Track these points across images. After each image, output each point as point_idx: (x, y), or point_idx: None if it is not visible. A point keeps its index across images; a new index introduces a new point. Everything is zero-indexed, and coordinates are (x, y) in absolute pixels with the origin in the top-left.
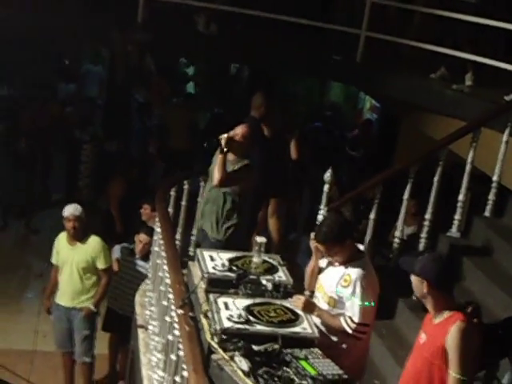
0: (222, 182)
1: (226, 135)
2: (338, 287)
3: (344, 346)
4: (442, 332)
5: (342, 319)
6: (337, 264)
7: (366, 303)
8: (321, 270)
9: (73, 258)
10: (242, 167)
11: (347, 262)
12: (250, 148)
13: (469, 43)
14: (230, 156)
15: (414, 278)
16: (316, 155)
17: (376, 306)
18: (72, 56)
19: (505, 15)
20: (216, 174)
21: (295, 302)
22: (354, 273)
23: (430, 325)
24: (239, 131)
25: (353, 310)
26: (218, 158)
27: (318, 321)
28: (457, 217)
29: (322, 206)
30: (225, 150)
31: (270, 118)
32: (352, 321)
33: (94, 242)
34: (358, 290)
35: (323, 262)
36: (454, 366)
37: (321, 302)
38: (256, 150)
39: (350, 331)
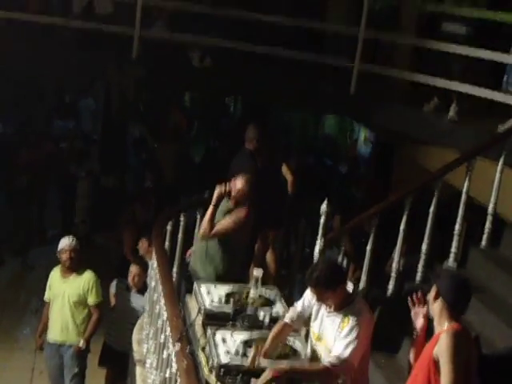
0: (206, 234)
1: (219, 189)
2: (336, 332)
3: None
4: (433, 342)
5: (326, 360)
6: (330, 310)
7: (355, 343)
8: (310, 317)
9: (64, 291)
10: (236, 214)
11: (341, 307)
12: (249, 197)
13: (458, 74)
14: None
15: (432, 289)
16: (312, 188)
17: (367, 345)
18: (71, 92)
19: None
20: (203, 225)
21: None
22: (351, 318)
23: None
24: (239, 187)
25: (339, 350)
26: (208, 210)
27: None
28: (453, 247)
29: (318, 238)
30: (214, 204)
31: (263, 151)
32: (337, 358)
33: (87, 275)
34: (351, 331)
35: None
36: (443, 373)
37: (323, 356)
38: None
39: (334, 369)
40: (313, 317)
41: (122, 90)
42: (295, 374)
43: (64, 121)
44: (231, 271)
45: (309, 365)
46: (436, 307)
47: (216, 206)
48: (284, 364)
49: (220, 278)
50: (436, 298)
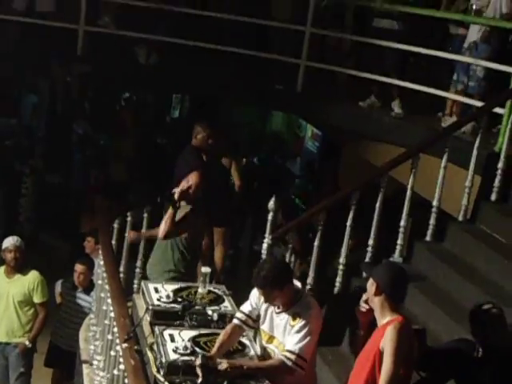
0: (168, 235)
1: (179, 190)
2: (287, 330)
3: (290, 379)
4: (380, 334)
5: (280, 355)
6: (278, 310)
7: (308, 338)
8: (257, 318)
9: (9, 291)
10: (187, 213)
11: (289, 306)
12: (199, 194)
13: (395, 70)
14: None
15: (369, 281)
16: (261, 185)
17: (317, 340)
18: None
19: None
20: (162, 226)
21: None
22: (301, 314)
23: (375, 332)
24: (192, 182)
25: (292, 344)
26: (167, 213)
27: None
28: (399, 242)
29: (266, 235)
30: (177, 206)
31: (210, 147)
32: (291, 352)
33: (32, 275)
34: (303, 327)
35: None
36: (385, 365)
37: (277, 352)
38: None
39: (290, 364)
40: (261, 319)
41: (66, 87)
42: (250, 370)
43: (6, 117)
44: (190, 272)
45: (263, 362)
46: (377, 301)
47: (175, 210)
48: (240, 361)
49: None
50: (377, 293)
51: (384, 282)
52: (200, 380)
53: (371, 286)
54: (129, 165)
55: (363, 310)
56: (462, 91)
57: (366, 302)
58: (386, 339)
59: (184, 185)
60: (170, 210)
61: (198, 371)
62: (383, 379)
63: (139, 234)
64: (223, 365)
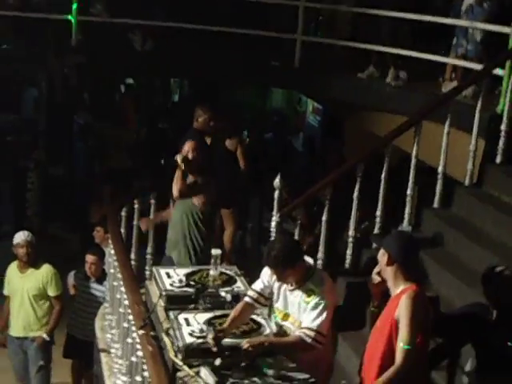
0: (181, 192)
1: (180, 156)
2: (302, 307)
3: (307, 356)
4: (394, 304)
5: (298, 332)
6: (291, 287)
7: (324, 314)
8: (270, 296)
9: (23, 286)
10: (197, 179)
11: (303, 282)
12: (202, 160)
13: (390, 39)
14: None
15: (380, 252)
16: (267, 163)
17: (332, 313)
18: (13, 84)
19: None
20: (175, 186)
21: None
22: (315, 290)
23: (389, 302)
24: (187, 148)
25: (310, 321)
26: (176, 173)
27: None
28: (406, 211)
29: (273, 213)
30: (182, 166)
31: (212, 129)
32: (310, 329)
33: (45, 268)
34: (318, 303)
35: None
36: (402, 334)
37: (293, 329)
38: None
39: (309, 340)
40: (275, 297)
41: (64, 78)
42: (271, 346)
43: (7, 113)
44: (206, 246)
45: (283, 338)
46: (390, 271)
47: (181, 168)
48: (260, 338)
49: (199, 260)
50: (389, 263)
51: (395, 251)
52: (215, 349)
53: (382, 256)
54: (131, 152)
55: (375, 281)
56: (463, 55)
57: (379, 273)
58: (401, 308)
59: (182, 151)
60: (178, 171)
61: (211, 343)
62: (400, 349)
63: (150, 220)
64: (244, 345)
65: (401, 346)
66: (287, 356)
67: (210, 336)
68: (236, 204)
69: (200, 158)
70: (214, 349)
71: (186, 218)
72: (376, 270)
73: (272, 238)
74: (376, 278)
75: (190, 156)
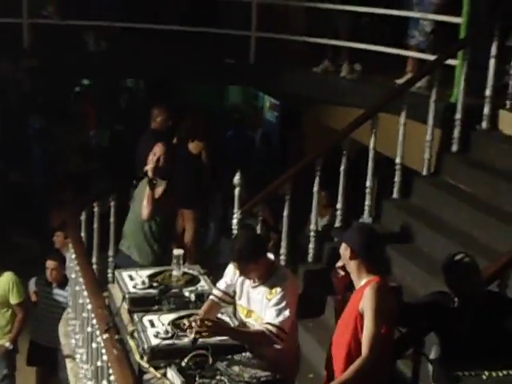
0: (151, 215)
1: (150, 165)
2: (264, 303)
3: (272, 351)
4: (358, 296)
5: (260, 327)
6: (254, 284)
7: (287, 312)
8: (234, 295)
9: None
10: (163, 193)
11: (266, 278)
12: (168, 166)
13: (347, 33)
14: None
15: (342, 246)
16: (228, 160)
17: (295, 311)
18: None
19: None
20: (145, 209)
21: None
22: (278, 286)
23: (353, 294)
24: (159, 153)
25: (272, 317)
26: (146, 194)
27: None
28: (366, 203)
29: (235, 210)
30: (154, 181)
31: (169, 129)
32: (272, 325)
33: (6, 276)
34: (280, 299)
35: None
36: (366, 325)
37: (256, 326)
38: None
39: (271, 335)
40: (238, 294)
41: (16, 82)
42: (233, 333)
43: None
44: (167, 251)
45: (253, 331)
46: (353, 264)
47: (153, 189)
48: (226, 326)
49: (158, 260)
50: (352, 257)
51: (357, 245)
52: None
53: (345, 250)
54: (90, 155)
55: (339, 275)
56: (416, 46)
57: (342, 267)
58: (364, 301)
59: (152, 158)
60: (148, 190)
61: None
62: (366, 340)
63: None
64: (207, 322)
65: (365, 335)
66: (252, 353)
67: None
68: (198, 204)
69: (169, 162)
70: (183, 362)
71: (146, 223)
72: (339, 264)
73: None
74: (340, 273)
75: (161, 160)
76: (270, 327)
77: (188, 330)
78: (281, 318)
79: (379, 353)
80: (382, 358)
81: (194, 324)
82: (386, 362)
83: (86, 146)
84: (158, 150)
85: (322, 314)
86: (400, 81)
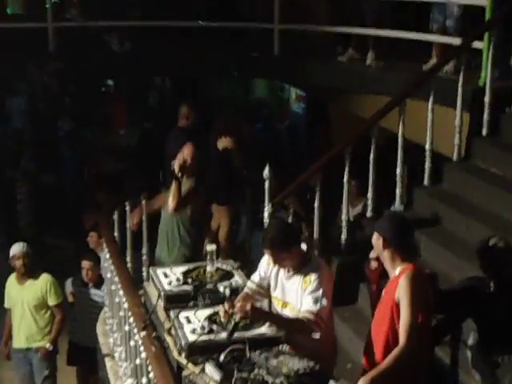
0: (177, 206)
1: (177, 163)
2: (300, 293)
3: (310, 341)
4: (394, 285)
5: (299, 315)
6: (289, 274)
7: (324, 300)
8: (268, 287)
9: (23, 297)
10: (190, 190)
11: (300, 268)
12: (197, 166)
13: (373, 20)
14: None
15: (374, 236)
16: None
17: (330, 301)
18: None
19: None
20: (171, 200)
21: (240, 312)
22: (312, 276)
23: (388, 284)
24: (187, 153)
25: (309, 305)
26: (172, 186)
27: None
28: (397, 190)
29: (265, 203)
30: (179, 177)
31: (196, 126)
32: (310, 312)
33: (44, 278)
34: (316, 288)
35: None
36: (403, 315)
37: (292, 316)
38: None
39: (309, 323)
40: (272, 286)
41: (44, 86)
42: (272, 318)
43: None
44: (197, 251)
45: (291, 318)
46: (386, 254)
47: (179, 181)
48: (264, 312)
49: (188, 260)
50: (385, 246)
51: (390, 234)
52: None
53: (377, 240)
54: (121, 154)
55: (373, 267)
56: (440, 30)
57: (375, 258)
58: (400, 290)
59: (180, 158)
60: (174, 183)
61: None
62: (403, 329)
63: (139, 212)
64: (247, 306)
65: (402, 324)
66: (290, 346)
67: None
68: (231, 200)
69: (197, 161)
70: (220, 358)
71: (176, 225)
72: (372, 255)
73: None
74: (373, 264)
75: (189, 161)
76: (307, 315)
77: (224, 318)
78: (318, 306)
79: (417, 341)
80: (420, 346)
81: (234, 309)
82: (425, 350)
83: (117, 146)
84: (185, 151)
85: (356, 302)
86: (426, 66)
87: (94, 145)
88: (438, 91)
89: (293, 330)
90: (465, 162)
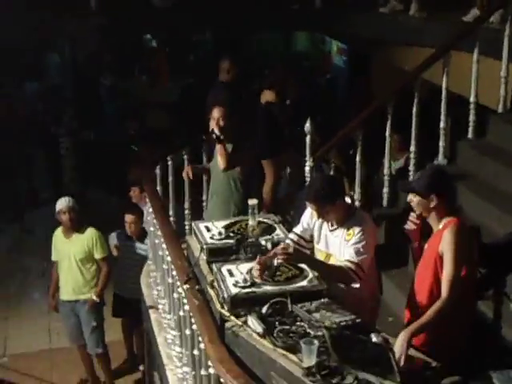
0: (229, 164)
1: (215, 128)
2: (343, 245)
3: (351, 294)
4: (437, 238)
5: (340, 263)
6: (332, 227)
7: (366, 252)
8: (310, 239)
9: (70, 251)
10: (232, 152)
11: (343, 221)
12: (235, 126)
13: None
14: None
15: (416, 198)
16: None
17: (373, 254)
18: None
19: None
20: (220, 159)
21: (282, 255)
22: (356, 229)
23: (432, 236)
24: (217, 115)
25: (351, 255)
26: (217, 147)
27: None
28: (441, 144)
29: (307, 158)
30: (220, 138)
31: (237, 80)
32: (351, 262)
33: (90, 232)
34: (359, 240)
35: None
36: (447, 268)
37: None
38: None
39: (349, 271)
40: (316, 239)
41: (86, 42)
42: (313, 262)
43: (33, 81)
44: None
45: (332, 264)
46: (430, 209)
47: (223, 142)
48: (306, 254)
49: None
50: (427, 202)
51: (428, 191)
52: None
53: (414, 198)
54: (166, 110)
55: (411, 228)
56: None
57: (415, 219)
58: (444, 243)
59: (212, 123)
60: (218, 145)
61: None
62: (445, 282)
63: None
64: (290, 249)
65: (445, 275)
66: (331, 298)
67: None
68: (275, 154)
69: (233, 122)
70: (263, 309)
71: (228, 185)
72: (415, 213)
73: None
74: (411, 226)
75: (221, 122)
76: (348, 264)
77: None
78: (360, 257)
79: (460, 294)
80: (464, 300)
81: (276, 250)
82: (468, 304)
83: (161, 102)
84: (216, 113)
85: (407, 264)
86: (467, 18)
87: (136, 99)
88: (483, 42)
89: (332, 277)
90: (510, 114)
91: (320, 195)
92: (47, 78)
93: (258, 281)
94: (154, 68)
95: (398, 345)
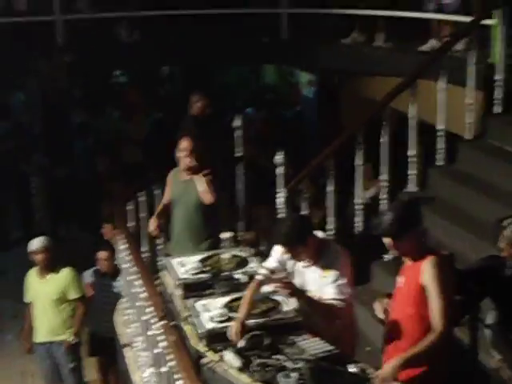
0: (215, 198)
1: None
2: (321, 282)
3: (333, 327)
4: (416, 270)
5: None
6: (306, 264)
7: (347, 288)
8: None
9: (45, 291)
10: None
11: (317, 258)
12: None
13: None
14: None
15: (385, 240)
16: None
17: (350, 282)
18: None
19: None
20: (206, 194)
21: (283, 289)
22: (331, 264)
23: (406, 268)
24: (184, 147)
25: (334, 294)
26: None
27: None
28: (411, 172)
29: (280, 189)
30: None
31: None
32: (337, 300)
33: (65, 272)
34: (337, 276)
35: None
36: (435, 301)
37: None
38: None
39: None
40: (290, 273)
41: (53, 79)
42: (302, 297)
43: (2, 120)
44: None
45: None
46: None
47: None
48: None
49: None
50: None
51: (397, 234)
52: (240, 344)
53: (389, 242)
54: (138, 145)
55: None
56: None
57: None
58: (426, 275)
59: (180, 155)
60: (202, 178)
61: (235, 339)
62: (438, 315)
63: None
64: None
65: (437, 312)
66: (310, 331)
67: (234, 330)
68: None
69: (200, 151)
70: (239, 343)
71: (187, 213)
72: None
73: (281, 215)
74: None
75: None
76: (335, 302)
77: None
78: (344, 294)
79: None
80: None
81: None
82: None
83: (137, 136)
84: (183, 144)
85: (368, 281)
86: (425, 47)
87: (108, 135)
88: (449, 70)
89: (322, 314)
90: (478, 140)
91: (290, 238)
92: (16, 116)
93: (234, 315)
94: (126, 103)
95: (387, 371)
